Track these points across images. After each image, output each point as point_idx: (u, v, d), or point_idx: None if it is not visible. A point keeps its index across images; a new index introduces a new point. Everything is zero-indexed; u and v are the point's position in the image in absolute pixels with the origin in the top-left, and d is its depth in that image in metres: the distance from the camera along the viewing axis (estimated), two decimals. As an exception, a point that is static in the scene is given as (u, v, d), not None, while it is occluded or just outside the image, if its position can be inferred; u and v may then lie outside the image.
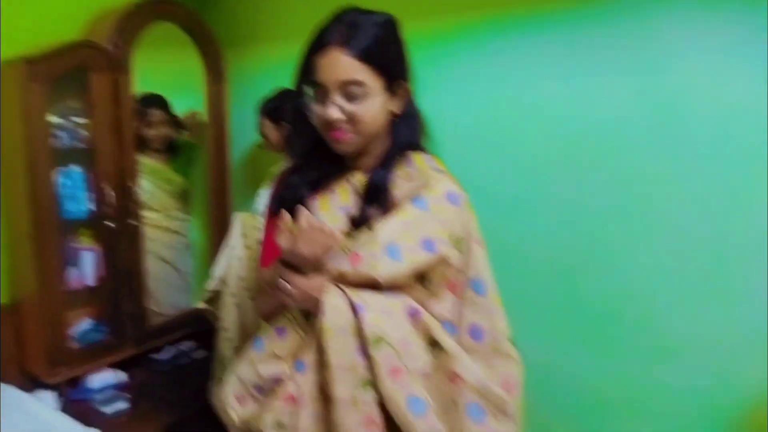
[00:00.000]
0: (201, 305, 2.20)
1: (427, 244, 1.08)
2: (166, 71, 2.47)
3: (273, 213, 1.24)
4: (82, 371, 2.08)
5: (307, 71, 1.09)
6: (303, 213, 1.05)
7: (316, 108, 1.11)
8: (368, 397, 1.03)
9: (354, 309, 1.03)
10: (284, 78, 2.12)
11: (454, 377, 1.04)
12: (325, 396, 1.08)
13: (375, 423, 1.04)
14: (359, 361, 1.03)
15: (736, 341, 1.61)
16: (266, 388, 1.15)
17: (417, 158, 1.18)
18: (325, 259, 1.07)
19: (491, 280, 1.15)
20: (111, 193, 2.07)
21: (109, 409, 2.03)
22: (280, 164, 2.12)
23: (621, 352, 1.78)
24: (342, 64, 1.03)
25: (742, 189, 1.56)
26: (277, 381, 1.13)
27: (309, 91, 1.12)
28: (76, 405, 2.00)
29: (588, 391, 1.86)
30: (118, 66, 2.06)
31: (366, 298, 1.05)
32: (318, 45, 1.06)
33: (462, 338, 1.12)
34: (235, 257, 2.06)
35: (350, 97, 1.06)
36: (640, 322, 1.75)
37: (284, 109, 2.08)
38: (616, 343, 1.79)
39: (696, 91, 1.60)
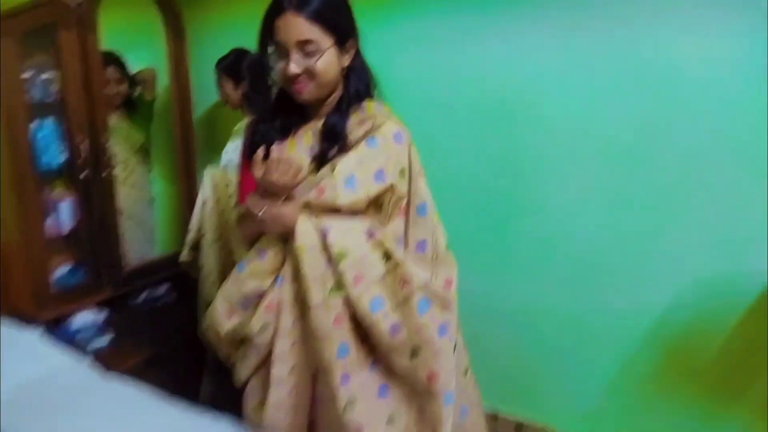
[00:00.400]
0: (182, 258, 2.38)
1: (379, 176, 1.32)
2: (127, 29, 2.56)
3: (247, 156, 1.44)
4: (64, 311, 2.23)
5: (268, 32, 1.29)
6: (274, 149, 1.26)
7: (278, 64, 1.31)
8: (337, 300, 1.28)
9: (321, 231, 1.27)
10: (242, 36, 2.32)
11: (404, 281, 1.30)
12: (300, 302, 1.33)
13: (343, 320, 1.30)
14: (328, 272, 1.28)
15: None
16: (250, 302, 1.39)
17: (369, 105, 1.41)
18: (293, 186, 1.29)
19: (431, 202, 1.41)
20: (84, 145, 2.19)
21: (93, 345, 2.20)
22: (240, 122, 2.30)
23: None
24: (298, 26, 1.24)
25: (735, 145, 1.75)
26: (259, 294, 1.37)
27: (271, 49, 1.32)
28: (60, 342, 2.14)
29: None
30: (84, 23, 2.16)
31: (331, 222, 1.29)
32: (276, 9, 1.26)
33: (410, 251, 1.38)
34: (209, 209, 2.25)
35: (306, 54, 1.26)
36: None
37: (241, 67, 2.25)
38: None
39: (682, 49, 1.76)
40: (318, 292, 1.27)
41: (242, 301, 1.41)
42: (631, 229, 1.92)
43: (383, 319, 1.28)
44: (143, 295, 2.56)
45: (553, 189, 2.03)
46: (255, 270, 1.38)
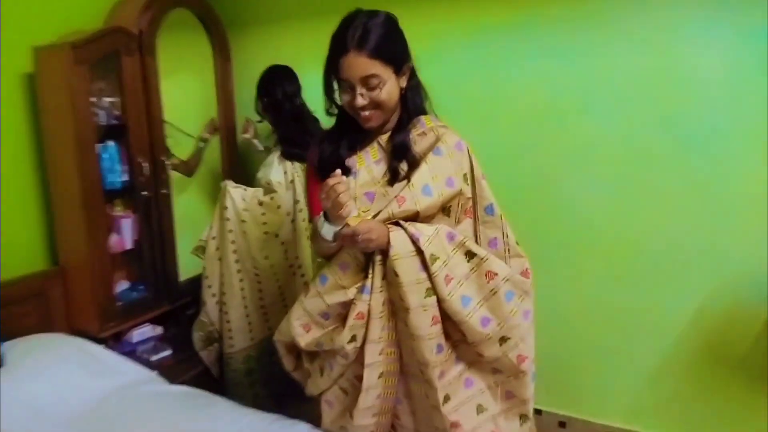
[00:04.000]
0: (192, 251, 2.46)
1: (449, 182, 1.45)
2: (178, 51, 2.66)
3: (317, 172, 1.53)
4: (127, 326, 2.32)
5: (333, 70, 1.40)
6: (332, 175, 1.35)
7: (344, 97, 1.42)
8: (432, 301, 1.39)
9: (412, 238, 1.38)
10: (283, 56, 2.42)
11: (489, 274, 1.42)
12: (390, 310, 1.44)
13: (438, 320, 1.41)
14: (422, 276, 1.38)
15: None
16: (332, 314, 1.49)
17: (426, 120, 1.52)
18: (339, 208, 1.34)
19: (496, 203, 1.53)
20: (145, 165, 2.29)
21: (154, 357, 2.29)
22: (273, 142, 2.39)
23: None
24: (361, 64, 1.33)
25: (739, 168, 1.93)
26: (343, 305, 1.46)
27: (335, 84, 1.44)
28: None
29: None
30: (145, 49, 2.27)
31: (419, 228, 1.39)
32: (340, 49, 1.35)
33: (483, 248, 1.49)
34: (233, 224, 2.28)
35: (370, 87, 1.37)
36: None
37: (265, 87, 2.35)
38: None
39: (693, 64, 1.94)
40: (415, 295, 1.37)
41: (323, 314, 1.50)
42: (669, 224, 2.05)
43: (474, 313, 1.40)
44: (195, 307, 2.63)
45: (590, 189, 2.17)
46: (338, 283, 1.47)
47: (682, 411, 2.12)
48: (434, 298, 1.39)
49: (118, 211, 2.36)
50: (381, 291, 1.42)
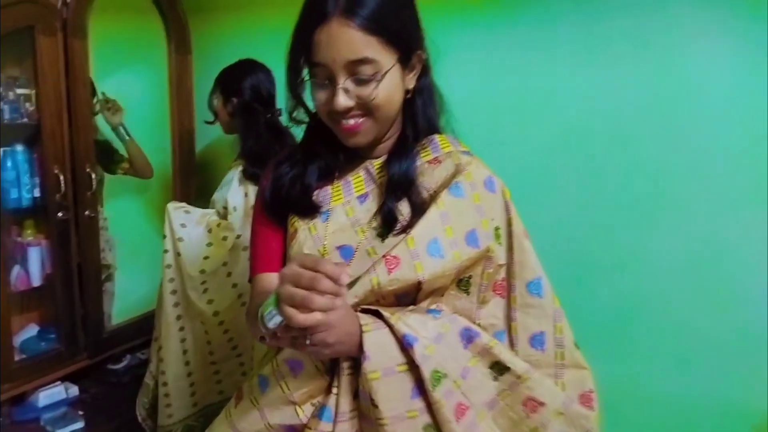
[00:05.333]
0: None
1: (471, 237, 0.90)
2: (121, 38, 2.17)
3: (268, 209, 1.01)
4: (28, 387, 1.80)
5: (303, 49, 0.87)
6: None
7: (318, 94, 0.89)
8: None
9: (402, 342, 0.84)
10: (255, 51, 1.93)
11: (531, 404, 0.88)
12: None
13: None
14: (418, 406, 0.84)
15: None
16: None
17: (442, 141, 0.99)
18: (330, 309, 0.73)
19: (546, 278, 0.97)
20: (62, 178, 1.77)
21: (60, 431, 1.76)
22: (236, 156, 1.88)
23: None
24: (347, 39, 0.82)
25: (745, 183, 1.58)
26: (292, 430, 0.91)
27: (306, 73, 0.90)
28: (21, 427, 1.78)
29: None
30: (71, 28, 1.77)
31: (415, 326, 0.85)
32: (315, 17, 0.84)
33: (520, 348, 0.95)
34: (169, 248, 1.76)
35: (360, 80, 0.85)
36: (653, 325, 1.70)
37: (237, 80, 1.86)
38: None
39: (702, 83, 1.60)
40: None
41: None
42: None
43: None
44: (125, 362, 2.12)
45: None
46: (285, 393, 0.92)
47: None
48: None
49: (26, 236, 1.83)
50: (352, 417, 0.88)
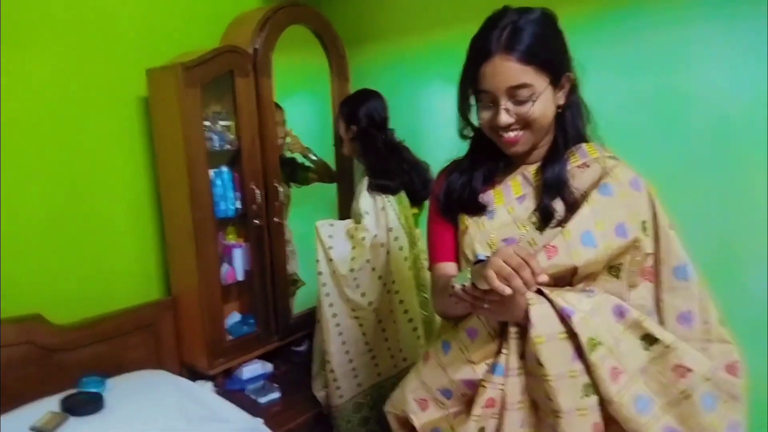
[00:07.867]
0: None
1: (620, 230, 1.06)
2: (294, 71, 2.53)
3: (442, 209, 1.25)
4: (234, 363, 2.18)
5: (471, 80, 1.09)
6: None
7: (483, 114, 1.11)
8: (592, 402, 1.01)
9: (562, 314, 1.01)
10: (402, 73, 2.18)
11: (680, 370, 1.00)
12: (532, 402, 1.08)
13: (601, 428, 1.03)
14: (577, 367, 1.01)
15: None
16: (456, 393, 1.16)
17: (589, 148, 1.16)
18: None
19: (691, 263, 1.11)
20: (258, 192, 2.15)
21: (263, 399, 2.11)
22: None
23: None
24: (508, 70, 1.03)
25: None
26: (469, 385, 1.13)
27: (472, 99, 1.13)
28: (231, 395, 2.09)
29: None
30: (260, 69, 2.14)
31: (572, 301, 1.02)
32: (481, 54, 1.06)
33: (668, 326, 1.09)
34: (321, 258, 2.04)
35: (518, 100, 1.06)
36: None
37: (356, 108, 2.09)
38: None
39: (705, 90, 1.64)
40: (567, 393, 1.00)
41: (445, 391, 1.18)
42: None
43: (654, 423, 1.00)
44: (304, 346, 2.47)
45: None
46: (464, 355, 1.15)
47: None
48: (596, 398, 1.01)
49: (230, 239, 2.25)
50: (520, 374, 1.07)
